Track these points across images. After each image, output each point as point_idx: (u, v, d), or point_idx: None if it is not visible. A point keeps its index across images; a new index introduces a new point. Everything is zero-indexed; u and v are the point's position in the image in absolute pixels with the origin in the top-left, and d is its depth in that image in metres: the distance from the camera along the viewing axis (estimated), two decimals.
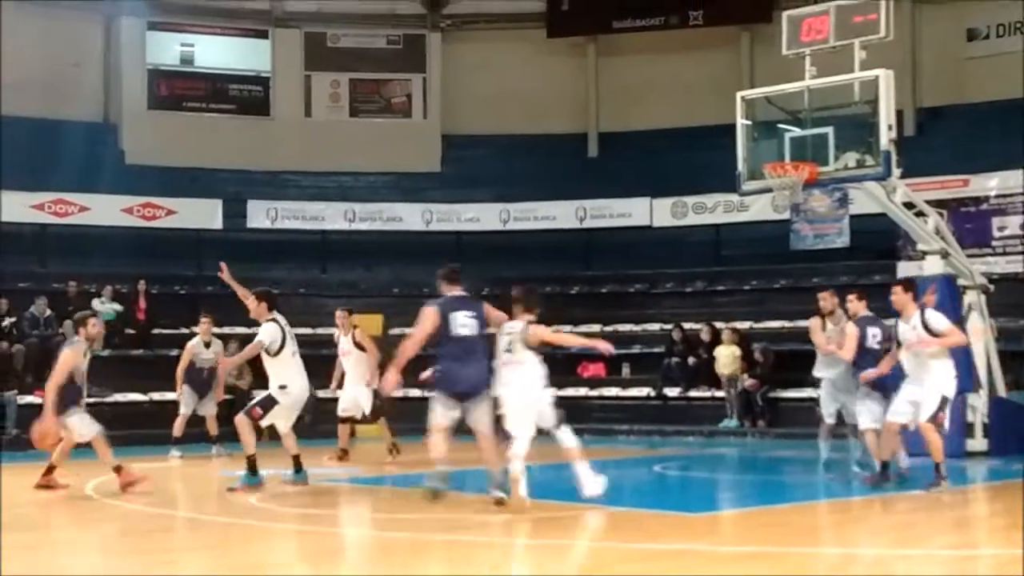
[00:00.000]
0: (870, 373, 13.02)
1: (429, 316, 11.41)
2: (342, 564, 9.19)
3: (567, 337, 12.78)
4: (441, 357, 11.49)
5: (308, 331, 24.76)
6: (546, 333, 11.51)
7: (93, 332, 13.47)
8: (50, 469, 13.45)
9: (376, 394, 16.45)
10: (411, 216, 27.80)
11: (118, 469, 13.12)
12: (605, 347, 12.07)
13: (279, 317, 13.37)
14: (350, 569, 8.99)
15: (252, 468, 13.06)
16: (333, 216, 27.55)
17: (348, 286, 26.23)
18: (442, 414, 11.24)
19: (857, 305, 13.82)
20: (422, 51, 30.17)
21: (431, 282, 27.81)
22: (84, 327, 13.43)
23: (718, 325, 23.03)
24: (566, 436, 11.34)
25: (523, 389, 11.18)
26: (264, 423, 13.25)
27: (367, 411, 16.78)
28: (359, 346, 16.86)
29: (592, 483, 11.32)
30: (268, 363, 13.27)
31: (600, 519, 11.01)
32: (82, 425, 13.16)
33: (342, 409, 16.93)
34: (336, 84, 30.06)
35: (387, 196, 28.45)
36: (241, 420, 13.10)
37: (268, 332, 13.13)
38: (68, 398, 13.11)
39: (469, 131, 29.38)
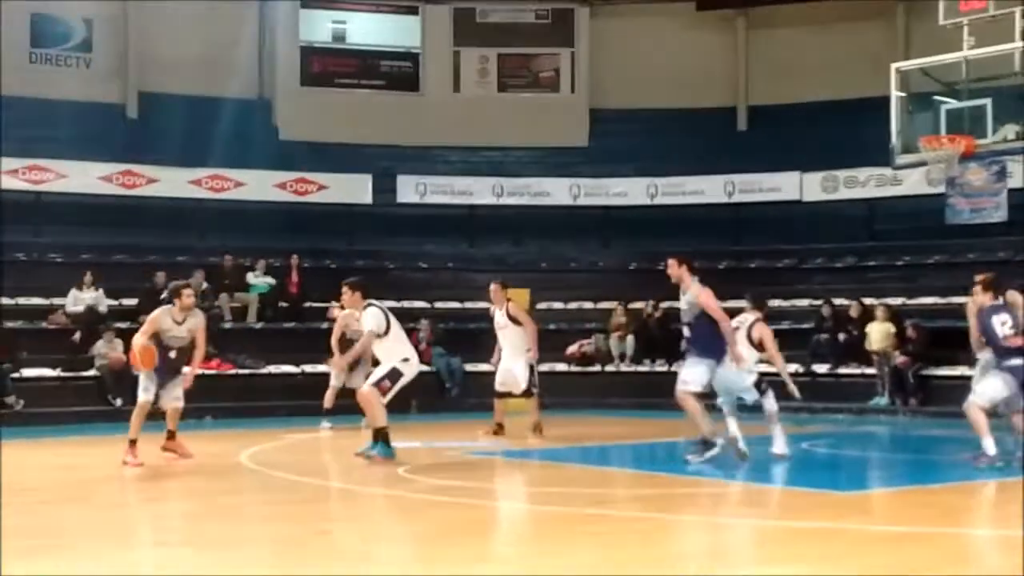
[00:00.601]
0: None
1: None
2: (497, 536, 9.30)
3: (778, 358, 13.93)
4: None
5: (456, 305, 25.17)
6: (768, 338, 13.52)
7: (188, 302, 13.70)
8: (170, 435, 13.77)
9: (532, 368, 16.54)
10: (559, 191, 27.85)
11: (132, 443, 13.29)
12: (792, 391, 13.80)
13: (374, 302, 13.51)
14: (504, 542, 9.10)
15: (386, 439, 13.16)
16: (481, 191, 27.73)
17: (496, 261, 26.42)
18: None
19: (983, 297, 13.18)
20: (570, 26, 30.13)
21: (579, 257, 28.21)
22: (179, 298, 13.71)
23: (868, 302, 22.65)
24: (767, 401, 13.36)
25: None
26: (389, 396, 13.28)
27: (523, 385, 16.59)
28: (514, 319, 16.78)
29: (782, 445, 13.29)
30: (379, 346, 13.37)
31: (747, 495, 10.96)
32: (141, 387, 13.49)
33: (499, 383, 16.82)
34: (484, 60, 30.20)
35: (535, 171, 28.53)
36: (369, 393, 13.13)
37: (374, 319, 13.22)
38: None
39: (617, 106, 29.29)
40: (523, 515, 10.45)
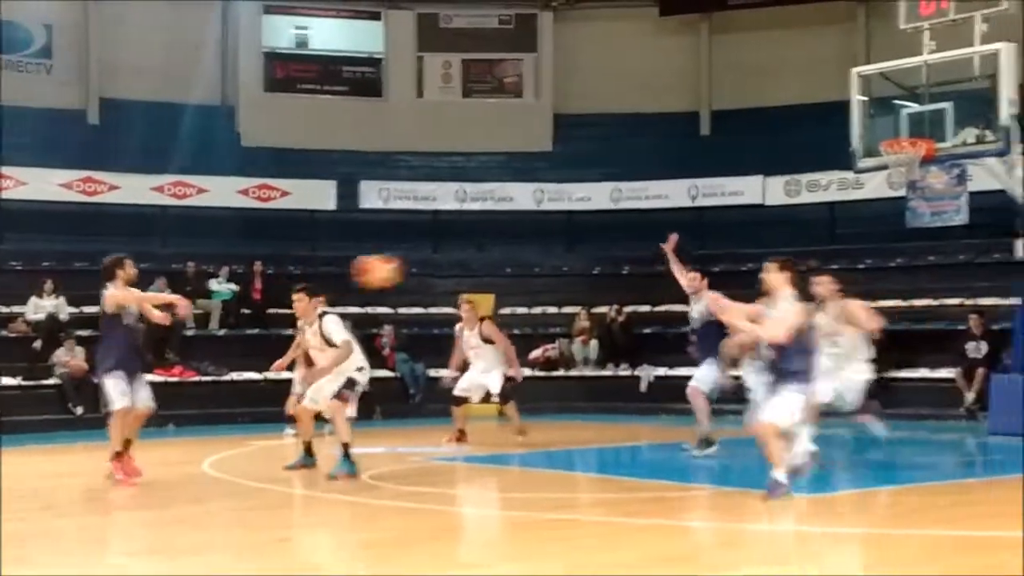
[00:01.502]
0: None
1: None
2: (460, 542, 9.27)
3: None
4: None
5: (420, 311, 25.13)
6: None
7: (131, 272, 12.76)
8: (127, 445, 12.49)
9: (508, 378, 16.56)
10: (523, 196, 27.87)
11: (118, 456, 12.39)
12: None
13: (328, 309, 13.43)
14: (468, 547, 9.08)
15: (348, 454, 12.61)
16: (445, 196, 27.72)
17: (460, 266, 26.40)
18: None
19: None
20: (533, 31, 30.14)
21: (543, 261, 28.20)
22: (122, 268, 12.69)
23: None
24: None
25: None
26: (351, 408, 13.14)
27: (495, 394, 16.59)
28: (487, 340, 16.68)
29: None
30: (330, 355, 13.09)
31: (712, 499, 10.98)
32: (118, 392, 12.37)
33: (461, 389, 16.76)
34: (448, 65, 30.16)
35: (499, 176, 28.52)
36: (333, 406, 12.77)
37: (339, 327, 13.04)
38: (111, 356, 12.54)
39: (580, 110, 29.31)
40: (487, 520, 10.43)
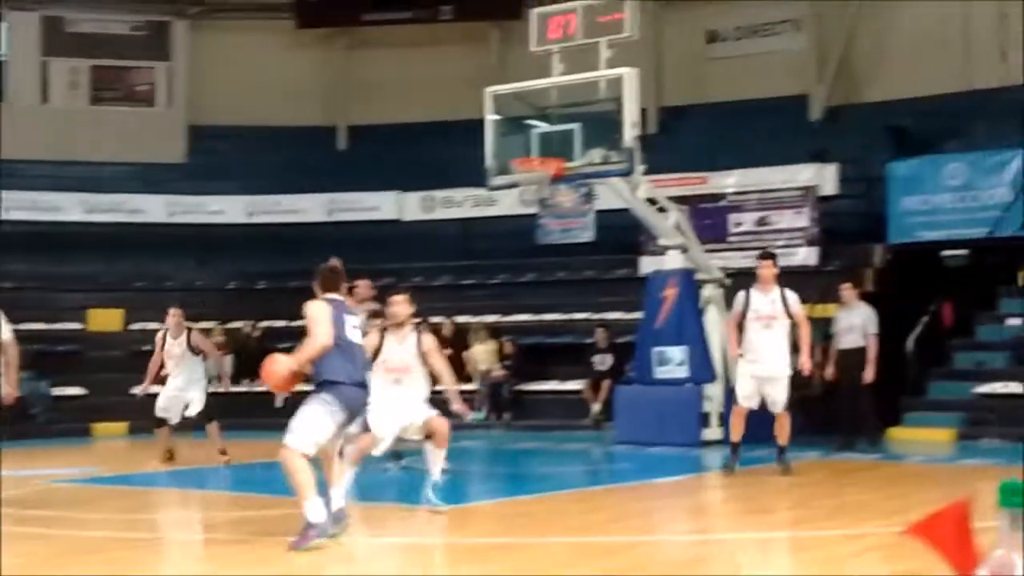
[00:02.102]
0: None
1: None
2: (88, 566, 8.83)
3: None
4: None
5: (43, 327, 23.90)
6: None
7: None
8: None
9: (211, 395, 15.95)
10: (154, 208, 27.06)
11: None
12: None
13: None
14: (96, 569, 8.65)
15: None
16: (71, 207, 26.57)
17: (87, 279, 25.35)
18: None
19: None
20: (167, 38, 29.35)
21: (175, 275, 27.36)
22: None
23: (464, 319, 23.18)
24: None
25: None
26: None
27: (195, 413, 15.92)
28: (195, 350, 16.04)
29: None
30: None
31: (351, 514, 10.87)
32: None
33: (161, 410, 16.00)
34: (76, 71, 28.94)
35: (129, 187, 27.57)
36: None
37: None
38: None
39: (216, 122, 28.71)
40: (109, 544, 9.97)
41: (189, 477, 15.02)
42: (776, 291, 13.46)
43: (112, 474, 14.84)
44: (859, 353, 16.38)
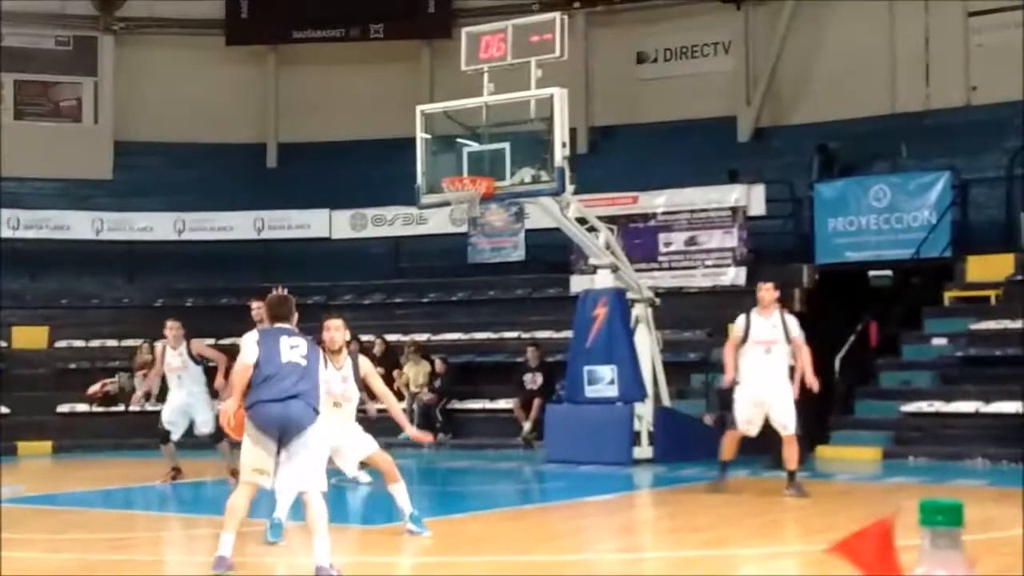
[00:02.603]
0: None
1: None
2: None
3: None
4: None
5: None
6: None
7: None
8: None
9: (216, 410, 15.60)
10: (80, 224, 26.69)
11: None
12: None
13: None
14: None
15: None
16: None
17: (12, 296, 24.95)
18: None
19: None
20: (94, 54, 29.06)
21: (102, 293, 27.07)
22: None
23: (395, 338, 23.11)
24: None
25: None
26: None
27: (209, 428, 15.25)
28: (196, 360, 15.77)
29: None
30: None
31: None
32: None
33: (168, 423, 15.62)
34: None
35: (55, 203, 27.25)
36: None
37: None
38: None
39: (144, 138, 28.47)
40: (34, 565, 9.84)
41: (111, 497, 14.84)
42: (777, 315, 13.22)
43: (37, 493, 14.59)
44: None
